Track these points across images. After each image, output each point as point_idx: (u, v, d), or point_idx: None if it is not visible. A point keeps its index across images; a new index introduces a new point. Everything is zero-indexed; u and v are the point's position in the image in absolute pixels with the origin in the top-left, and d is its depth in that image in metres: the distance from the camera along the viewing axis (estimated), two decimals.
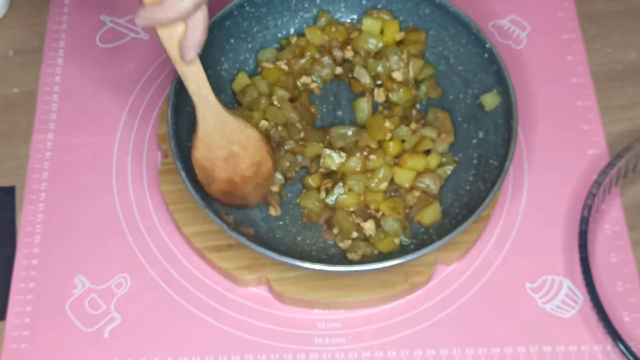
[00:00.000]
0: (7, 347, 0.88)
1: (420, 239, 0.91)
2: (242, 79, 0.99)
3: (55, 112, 1.01)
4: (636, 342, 0.89)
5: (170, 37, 0.82)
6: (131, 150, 0.99)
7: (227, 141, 0.89)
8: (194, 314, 0.90)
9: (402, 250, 0.90)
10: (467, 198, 0.91)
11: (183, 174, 0.87)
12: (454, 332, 0.89)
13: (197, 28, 0.82)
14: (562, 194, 0.97)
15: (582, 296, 0.91)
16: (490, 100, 0.94)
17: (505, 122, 0.92)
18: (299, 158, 0.95)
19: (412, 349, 0.88)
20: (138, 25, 0.80)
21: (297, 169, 0.95)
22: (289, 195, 0.94)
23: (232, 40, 0.99)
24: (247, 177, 0.91)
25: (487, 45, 0.94)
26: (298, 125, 0.96)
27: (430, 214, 0.91)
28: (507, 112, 0.92)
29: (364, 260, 0.90)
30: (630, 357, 0.84)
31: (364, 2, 1.02)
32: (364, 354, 0.88)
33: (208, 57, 0.96)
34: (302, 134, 0.96)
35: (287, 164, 0.94)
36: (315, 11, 1.02)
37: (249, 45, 1.00)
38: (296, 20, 1.02)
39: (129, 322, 0.89)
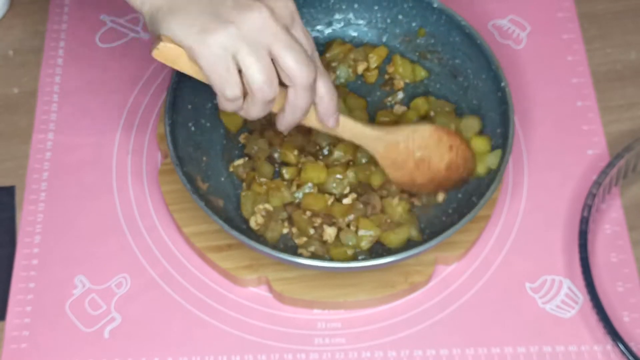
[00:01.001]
0: (7, 347, 0.88)
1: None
2: None
3: (55, 112, 1.01)
4: (636, 342, 0.89)
5: (310, 121, 0.84)
6: (131, 150, 0.99)
7: (407, 154, 0.90)
8: (194, 314, 0.90)
9: (400, 249, 0.90)
10: (439, 227, 0.91)
11: (180, 172, 0.87)
12: (454, 332, 0.89)
13: (324, 100, 0.81)
14: (562, 194, 0.97)
15: (582, 296, 0.91)
16: (493, 159, 0.93)
17: (498, 163, 0.91)
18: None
19: (412, 349, 0.88)
20: (282, 131, 0.83)
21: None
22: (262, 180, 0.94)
23: None
24: (447, 166, 0.91)
25: (502, 84, 0.94)
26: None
27: (394, 238, 0.91)
28: (502, 154, 0.91)
29: (361, 258, 0.90)
30: (630, 357, 0.84)
31: (400, 17, 1.01)
32: (364, 354, 0.88)
33: None
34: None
35: (256, 147, 0.94)
36: (351, 15, 1.02)
37: None
38: (330, 20, 1.02)
39: (129, 322, 0.89)
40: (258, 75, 0.75)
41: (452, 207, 0.93)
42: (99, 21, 1.08)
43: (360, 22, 1.03)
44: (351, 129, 0.87)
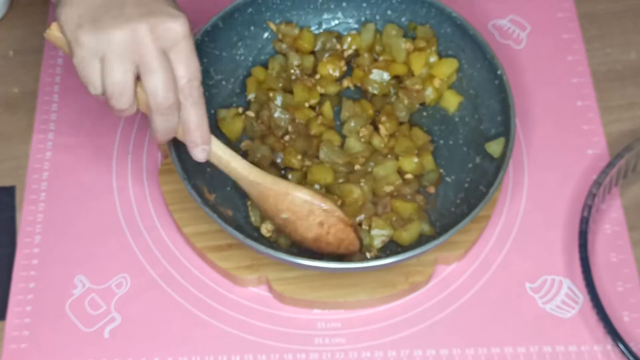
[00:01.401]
0: (7, 347, 0.88)
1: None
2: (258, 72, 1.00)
3: (55, 112, 1.01)
4: (636, 342, 0.89)
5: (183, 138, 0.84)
6: (131, 150, 0.99)
7: (275, 210, 0.87)
8: (194, 314, 0.90)
9: (400, 249, 0.90)
10: (449, 219, 0.91)
11: (180, 170, 0.87)
12: (454, 332, 0.89)
13: (189, 130, 0.81)
14: (562, 194, 0.97)
15: (582, 296, 0.91)
16: (496, 147, 0.93)
17: (501, 151, 0.92)
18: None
19: (412, 349, 0.88)
20: (156, 142, 0.84)
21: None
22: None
23: (252, 28, 0.99)
24: (315, 238, 0.88)
25: (499, 72, 0.94)
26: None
27: (406, 236, 0.91)
28: (505, 141, 0.92)
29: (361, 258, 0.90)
30: (631, 357, 0.84)
31: (389, 12, 1.01)
32: (364, 354, 0.88)
33: (225, 38, 0.97)
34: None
35: (259, 155, 0.94)
36: (339, 13, 1.02)
37: (268, 35, 1.00)
38: (320, 20, 1.02)
39: (129, 322, 0.89)
40: (110, 85, 0.78)
41: (460, 197, 0.93)
42: None
43: (350, 20, 1.03)
44: (226, 163, 0.85)
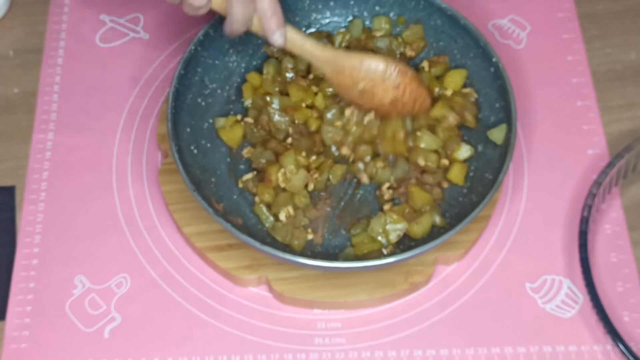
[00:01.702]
0: (7, 347, 0.88)
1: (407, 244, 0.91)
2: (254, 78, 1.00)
3: (55, 112, 1.01)
4: (636, 342, 0.89)
5: (259, 30, 0.88)
6: (131, 150, 0.99)
7: (351, 82, 0.92)
8: (194, 314, 0.90)
9: (399, 249, 0.90)
10: (459, 209, 0.91)
11: (199, 198, 0.87)
12: (454, 332, 0.89)
13: (265, 15, 0.86)
14: (562, 194, 0.97)
15: (582, 296, 0.91)
16: (498, 134, 0.94)
17: (505, 137, 0.92)
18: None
19: (412, 349, 0.88)
20: (228, 35, 0.88)
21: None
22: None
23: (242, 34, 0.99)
24: (392, 101, 0.92)
25: (494, 59, 0.94)
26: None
27: (419, 229, 0.91)
28: (507, 127, 0.92)
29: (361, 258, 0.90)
30: (631, 357, 0.84)
31: (377, 8, 1.02)
32: (364, 354, 0.88)
33: (217, 46, 0.97)
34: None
35: (263, 160, 0.95)
36: (328, 13, 1.02)
37: (259, 40, 1.00)
38: (309, 21, 1.02)
39: (129, 322, 0.89)
40: None
41: (467, 186, 0.93)
42: (99, 21, 1.08)
43: (338, 18, 1.03)
44: (300, 45, 0.91)
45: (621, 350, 0.85)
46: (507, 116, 0.92)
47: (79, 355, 0.88)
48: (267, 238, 0.91)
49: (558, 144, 1.00)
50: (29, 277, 0.91)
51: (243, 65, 1.00)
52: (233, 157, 0.96)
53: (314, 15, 1.02)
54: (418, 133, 0.94)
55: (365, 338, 0.89)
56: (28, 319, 0.89)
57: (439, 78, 0.99)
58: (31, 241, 0.93)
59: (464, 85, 0.98)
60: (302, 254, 0.89)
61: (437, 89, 0.97)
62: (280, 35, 0.88)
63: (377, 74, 0.91)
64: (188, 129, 0.93)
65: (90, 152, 0.99)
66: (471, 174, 0.94)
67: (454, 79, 0.98)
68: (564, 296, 0.91)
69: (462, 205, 0.91)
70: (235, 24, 0.86)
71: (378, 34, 1.01)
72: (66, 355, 0.88)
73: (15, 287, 0.91)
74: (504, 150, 0.90)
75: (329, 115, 0.95)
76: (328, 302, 0.89)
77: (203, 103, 0.96)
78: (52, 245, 0.93)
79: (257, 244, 0.84)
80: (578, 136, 1.00)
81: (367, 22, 1.02)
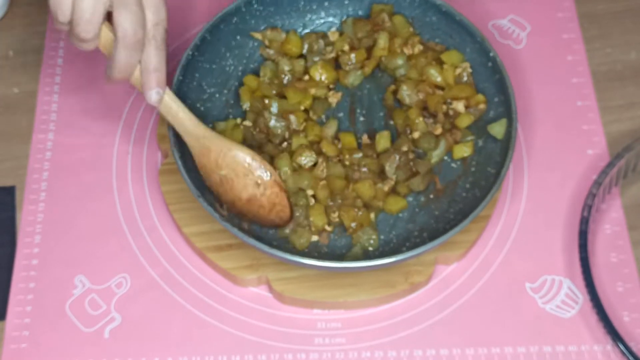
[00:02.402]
0: (7, 347, 0.88)
1: (413, 241, 0.91)
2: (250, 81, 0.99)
3: (55, 112, 1.01)
4: (636, 342, 0.89)
5: (138, 85, 0.85)
6: (131, 150, 0.99)
7: (215, 166, 0.89)
8: (194, 314, 0.90)
9: (399, 249, 0.90)
10: (463, 204, 0.91)
11: (182, 167, 0.87)
12: (454, 332, 0.89)
13: (147, 71, 0.83)
14: (562, 194, 0.97)
15: (582, 296, 0.91)
16: (498, 128, 0.94)
17: (505, 131, 0.92)
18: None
19: (412, 349, 0.88)
20: (108, 81, 0.84)
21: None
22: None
23: (238, 37, 0.99)
24: (248, 199, 0.89)
25: (491, 54, 0.95)
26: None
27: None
28: (508, 121, 0.92)
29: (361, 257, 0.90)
30: (631, 357, 0.84)
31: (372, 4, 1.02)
32: (364, 354, 0.88)
33: (213, 50, 0.97)
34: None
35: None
36: (323, 13, 1.02)
37: (255, 43, 1.00)
38: (304, 22, 1.02)
39: (129, 322, 0.89)
40: (80, 11, 0.79)
41: (469, 181, 0.93)
42: None
43: (331, 19, 1.03)
44: (174, 115, 0.87)
45: (621, 350, 0.85)
46: (506, 110, 0.92)
47: (79, 355, 0.88)
48: (271, 240, 0.91)
49: (558, 144, 1.00)
50: (29, 277, 0.91)
51: (240, 68, 1.00)
52: None
53: (308, 15, 1.02)
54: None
55: (365, 338, 0.89)
56: (28, 319, 0.89)
57: (437, 62, 0.99)
58: (31, 241, 0.93)
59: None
60: (303, 253, 0.89)
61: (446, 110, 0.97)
62: (156, 93, 0.84)
63: (241, 167, 0.88)
64: None
65: (90, 152, 0.99)
66: (473, 168, 0.94)
67: (451, 58, 0.98)
68: (564, 296, 0.91)
69: (466, 201, 0.91)
70: (116, 70, 0.82)
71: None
72: (66, 355, 0.88)
73: (16, 287, 0.91)
74: (505, 144, 0.90)
75: (303, 160, 0.94)
76: (328, 302, 0.89)
77: (202, 108, 0.96)
78: (52, 245, 0.93)
79: (264, 247, 0.85)
80: (578, 136, 1.00)
81: None
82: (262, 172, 0.89)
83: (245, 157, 0.89)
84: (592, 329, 0.89)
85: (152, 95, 0.84)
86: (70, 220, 0.95)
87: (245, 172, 0.89)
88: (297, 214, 0.91)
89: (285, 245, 0.90)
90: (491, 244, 0.94)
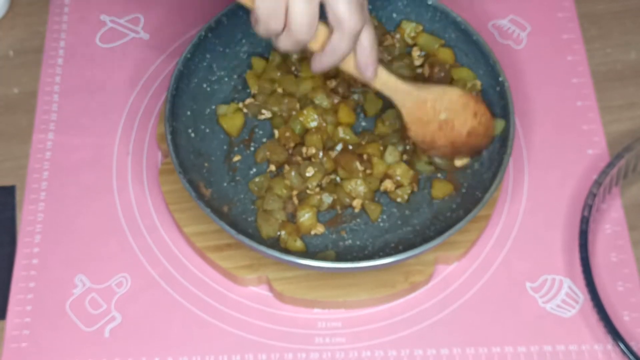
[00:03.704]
0: (8, 347, 0.88)
1: (411, 240, 0.91)
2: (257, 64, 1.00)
3: (55, 112, 1.01)
4: (637, 341, 0.89)
5: (347, 66, 0.86)
6: (131, 150, 0.99)
7: (433, 114, 0.91)
8: (194, 313, 0.90)
9: (399, 249, 0.90)
10: (445, 224, 0.91)
11: (184, 180, 0.87)
12: (454, 332, 0.89)
13: (366, 50, 0.84)
14: (562, 193, 0.97)
15: (582, 296, 0.91)
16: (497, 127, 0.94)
17: (498, 157, 0.92)
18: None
19: (413, 349, 0.88)
20: (315, 72, 0.84)
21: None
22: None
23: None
24: (469, 132, 0.92)
25: (500, 79, 0.94)
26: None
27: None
28: (502, 147, 0.92)
29: (361, 258, 0.90)
30: (631, 357, 0.84)
31: (394, 15, 1.02)
32: (364, 354, 0.88)
33: (229, 35, 0.97)
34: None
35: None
36: None
37: None
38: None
39: (130, 322, 0.89)
40: (301, 17, 0.78)
41: (468, 184, 0.93)
42: (99, 21, 1.08)
43: None
44: (385, 80, 0.89)
45: (621, 350, 0.85)
46: (505, 109, 0.93)
47: (79, 354, 0.88)
48: (251, 230, 0.91)
49: (558, 144, 1.00)
50: (29, 277, 0.91)
51: (250, 49, 1.01)
52: (230, 146, 0.96)
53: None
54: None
55: (365, 337, 0.89)
56: (28, 318, 0.89)
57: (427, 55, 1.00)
58: (31, 241, 0.93)
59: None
60: (302, 254, 0.89)
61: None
62: (374, 70, 0.86)
63: (459, 103, 0.92)
64: (188, 112, 0.94)
65: (90, 152, 0.99)
66: (463, 190, 0.94)
67: (445, 56, 0.99)
68: (564, 296, 0.91)
69: (466, 201, 0.91)
70: (331, 61, 0.83)
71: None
72: (66, 355, 0.88)
73: (16, 286, 0.91)
74: (504, 144, 0.91)
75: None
76: (328, 301, 0.89)
77: (208, 89, 0.96)
78: (52, 245, 0.93)
79: (262, 248, 0.85)
80: (578, 136, 1.01)
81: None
82: (474, 103, 0.92)
83: (460, 94, 0.92)
84: (593, 328, 0.89)
85: (371, 71, 0.85)
86: (70, 220, 0.95)
87: (462, 106, 0.92)
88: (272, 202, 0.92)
89: (278, 245, 0.90)
90: (491, 243, 0.94)
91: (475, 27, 0.97)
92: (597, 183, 0.92)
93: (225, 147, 0.96)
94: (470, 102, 0.92)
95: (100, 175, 0.98)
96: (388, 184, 0.93)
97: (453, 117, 0.92)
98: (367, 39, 0.83)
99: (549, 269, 0.92)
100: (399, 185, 0.93)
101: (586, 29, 1.08)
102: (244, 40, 0.99)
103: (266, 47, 1.01)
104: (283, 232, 0.90)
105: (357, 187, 0.92)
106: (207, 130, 0.96)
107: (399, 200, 0.93)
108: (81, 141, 1.00)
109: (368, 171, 0.93)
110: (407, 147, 0.95)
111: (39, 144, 0.99)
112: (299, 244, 0.90)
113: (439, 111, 0.92)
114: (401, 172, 0.93)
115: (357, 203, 0.92)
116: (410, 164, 0.94)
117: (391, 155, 0.94)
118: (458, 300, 0.91)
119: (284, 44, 0.81)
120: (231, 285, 0.91)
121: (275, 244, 0.90)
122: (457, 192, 0.93)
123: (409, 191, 0.93)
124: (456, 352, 0.88)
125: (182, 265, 0.92)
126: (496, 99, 0.95)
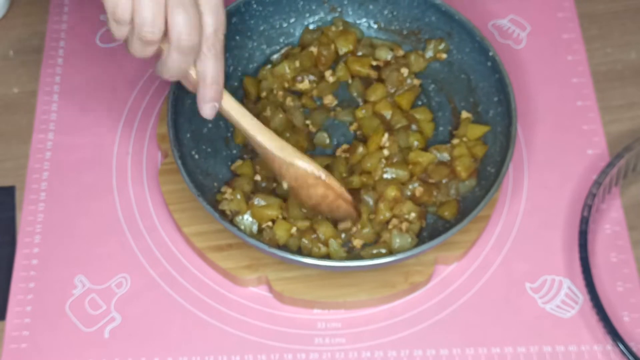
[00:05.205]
0: (7, 347, 0.88)
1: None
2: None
3: (55, 112, 1.01)
4: (636, 342, 0.89)
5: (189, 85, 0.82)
6: (131, 150, 0.99)
7: (279, 175, 0.88)
8: (194, 314, 0.90)
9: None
10: (463, 205, 0.91)
11: (181, 167, 0.87)
12: (454, 332, 0.89)
13: (205, 82, 0.80)
14: (562, 194, 0.97)
15: (582, 296, 0.91)
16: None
17: (504, 131, 0.92)
18: None
19: (412, 349, 0.88)
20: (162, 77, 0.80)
21: None
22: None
23: (237, 37, 0.99)
24: (316, 204, 0.89)
25: (490, 54, 0.95)
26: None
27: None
28: (507, 120, 0.92)
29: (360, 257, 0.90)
30: (630, 357, 0.84)
31: (370, 7, 1.02)
32: (364, 354, 0.88)
33: None
34: None
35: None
36: (322, 14, 1.02)
37: (255, 43, 1.01)
38: (303, 22, 1.02)
39: (129, 322, 0.89)
40: (145, 12, 0.74)
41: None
42: (99, 21, 1.08)
43: (329, 17, 1.03)
44: (235, 122, 0.85)
45: (621, 350, 0.85)
46: (506, 108, 0.92)
47: (79, 355, 0.88)
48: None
49: (558, 144, 1.00)
50: (29, 277, 0.91)
51: (240, 69, 1.00)
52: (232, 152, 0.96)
53: (307, 16, 1.02)
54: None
55: (365, 338, 0.89)
56: (28, 319, 0.89)
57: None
58: (31, 241, 0.93)
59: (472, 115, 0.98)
60: (303, 253, 0.89)
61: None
62: (212, 108, 0.81)
63: (305, 179, 0.87)
64: (188, 135, 0.93)
65: (90, 152, 0.99)
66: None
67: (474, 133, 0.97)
68: (564, 296, 0.91)
69: (466, 200, 0.91)
70: (168, 72, 0.78)
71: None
72: (66, 355, 0.88)
73: (15, 287, 0.91)
74: (505, 144, 0.90)
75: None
76: (328, 302, 0.89)
77: (195, 106, 0.96)
78: (52, 245, 0.93)
79: (264, 247, 0.85)
80: (578, 136, 1.00)
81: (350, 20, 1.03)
82: (323, 184, 0.87)
83: (308, 168, 0.87)
84: (592, 329, 0.89)
85: (207, 110, 0.81)
86: (70, 220, 0.95)
87: (308, 184, 0.87)
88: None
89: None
90: (491, 244, 0.94)
91: (475, 24, 0.97)
92: (597, 183, 0.92)
93: (229, 163, 0.95)
94: (319, 184, 0.87)
95: (100, 175, 0.98)
96: (395, 222, 0.92)
97: (297, 187, 0.88)
98: (207, 71, 0.79)
99: (549, 270, 0.92)
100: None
101: (586, 28, 1.08)
102: (227, 54, 0.97)
103: (250, 59, 1.01)
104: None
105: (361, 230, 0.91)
106: (209, 150, 0.94)
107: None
108: (81, 141, 1.00)
109: (372, 216, 0.92)
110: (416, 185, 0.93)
111: (38, 144, 0.99)
112: None
113: (283, 176, 0.87)
114: (407, 209, 0.92)
115: (357, 243, 0.91)
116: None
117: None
118: (458, 301, 0.91)
119: (134, 47, 0.76)
120: (231, 286, 0.91)
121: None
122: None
123: (417, 228, 0.92)
124: (456, 352, 0.88)
125: (182, 266, 0.92)
126: (488, 75, 0.95)
